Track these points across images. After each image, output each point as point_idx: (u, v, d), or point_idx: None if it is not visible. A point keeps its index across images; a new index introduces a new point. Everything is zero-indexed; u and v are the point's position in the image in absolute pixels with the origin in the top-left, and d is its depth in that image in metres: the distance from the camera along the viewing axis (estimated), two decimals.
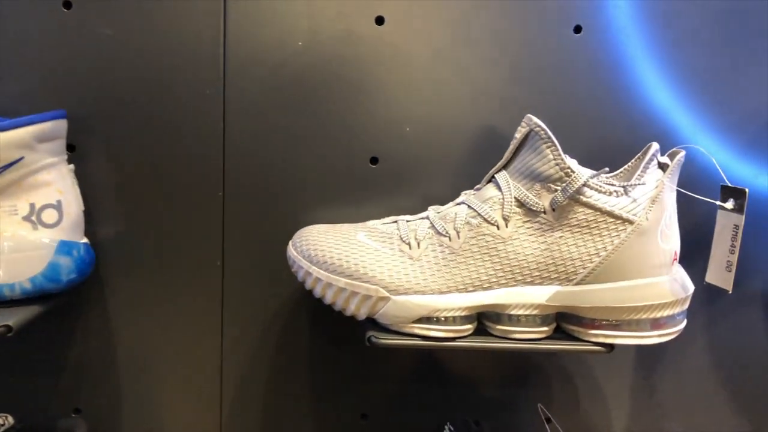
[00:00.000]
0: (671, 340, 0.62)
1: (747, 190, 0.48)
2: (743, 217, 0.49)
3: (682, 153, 0.51)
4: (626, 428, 0.66)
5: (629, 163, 0.53)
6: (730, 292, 0.50)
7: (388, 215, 0.59)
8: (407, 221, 0.54)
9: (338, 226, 0.56)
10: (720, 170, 0.51)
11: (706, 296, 0.65)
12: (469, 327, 0.52)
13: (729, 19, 0.60)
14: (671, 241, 0.51)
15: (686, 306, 0.52)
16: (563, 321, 0.53)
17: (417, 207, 0.61)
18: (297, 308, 0.63)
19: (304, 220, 0.61)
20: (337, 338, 0.64)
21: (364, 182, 0.61)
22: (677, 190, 0.51)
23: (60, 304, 0.59)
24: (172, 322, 0.63)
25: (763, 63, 0.60)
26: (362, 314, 0.51)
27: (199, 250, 0.62)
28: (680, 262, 0.54)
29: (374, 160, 0.61)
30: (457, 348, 0.51)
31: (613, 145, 0.60)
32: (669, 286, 0.50)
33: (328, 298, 0.52)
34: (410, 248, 0.52)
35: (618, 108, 0.60)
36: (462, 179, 0.60)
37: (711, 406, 0.66)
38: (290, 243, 0.55)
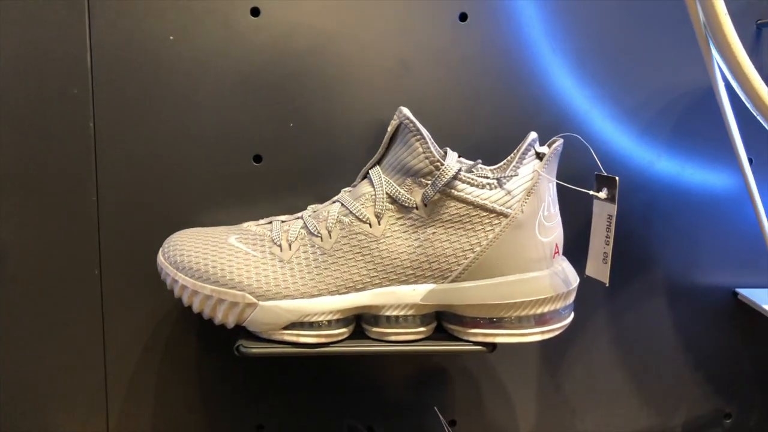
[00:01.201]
0: (577, 335, 0.61)
1: (617, 178, 0.46)
2: (615, 206, 0.47)
3: (559, 142, 0.49)
4: (534, 428, 0.64)
5: (510, 156, 0.51)
6: (607, 284, 0.48)
7: (275, 216, 0.56)
8: (282, 221, 0.52)
9: (212, 229, 0.53)
10: (596, 158, 0.49)
11: (610, 290, 0.63)
12: (344, 331, 0.49)
13: (625, 3, 0.58)
14: (551, 233, 0.49)
15: (570, 300, 0.50)
16: (444, 320, 0.51)
17: (305, 207, 0.58)
18: (183, 316, 0.60)
19: (185, 223, 0.58)
20: (227, 347, 0.61)
21: (248, 182, 0.58)
22: (555, 182, 0.49)
23: None
24: (52, 336, 0.60)
25: (660, 47, 0.59)
26: (231, 322, 0.49)
27: (74, 258, 0.59)
28: (568, 255, 0.52)
29: (258, 158, 0.58)
30: (330, 354, 0.48)
31: (504, 136, 0.58)
32: (549, 280, 0.48)
33: (196, 306, 0.49)
34: (281, 250, 0.49)
35: (509, 98, 0.58)
36: (350, 176, 0.58)
37: (619, 402, 0.64)
38: (160, 250, 0.52)
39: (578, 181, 0.51)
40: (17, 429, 0.61)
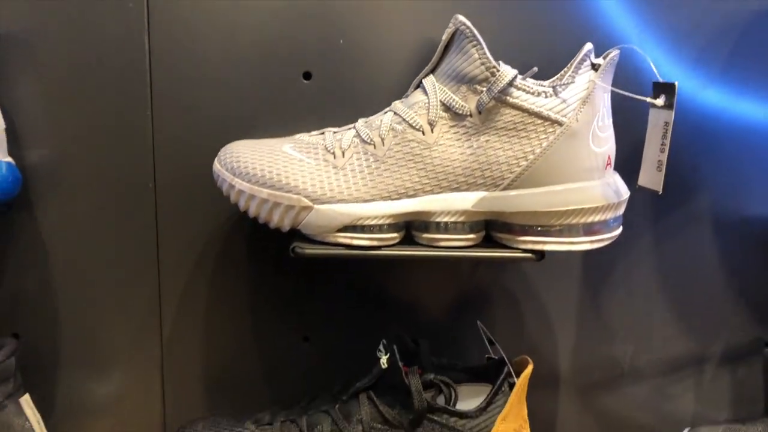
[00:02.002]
0: (620, 259, 0.62)
1: (676, 83, 0.46)
2: (673, 113, 0.47)
3: (616, 52, 0.49)
4: (573, 350, 0.65)
5: (565, 68, 0.51)
6: (660, 193, 0.49)
7: None
8: (334, 132, 0.52)
9: (265, 140, 0.54)
10: (653, 67, 0.49)
11: (654, 216, 0.63)
12: (395, 236, 0.50)
13: None
14: (604, 144, 0.49)
15: (620, 212, 0.50)
16: (493, 229, 0.51)
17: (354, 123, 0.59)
18: (234, 230, 0.62)
19: (237, 139, 0.59)
20: (276, 261, 0.63)
21: (298, 99, 0.59)
22: (611, 91, 0.49)
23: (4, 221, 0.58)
24: (106, 246, 0.62)
25: None
26: (286, 225, 0.50)
27: (130, 171, 0.60)
28: (619, 171, 0.53)
29: (307, 76, 0.59)
30: (382, 257, 0.50)
31: (556, 56, 0.58)
32: (601, 190, 0.49)
33: (252, 211, 0.50)
34: (335, 157, 0.50)
35: (562, 17, 0.58)
36: (400, 93, 0.58)
37: (659, 327, 0.65)
38: (216, 158, 0.53)
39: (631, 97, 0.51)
40: (74, 339, 0.64)
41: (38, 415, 0.56)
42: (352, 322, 0.64)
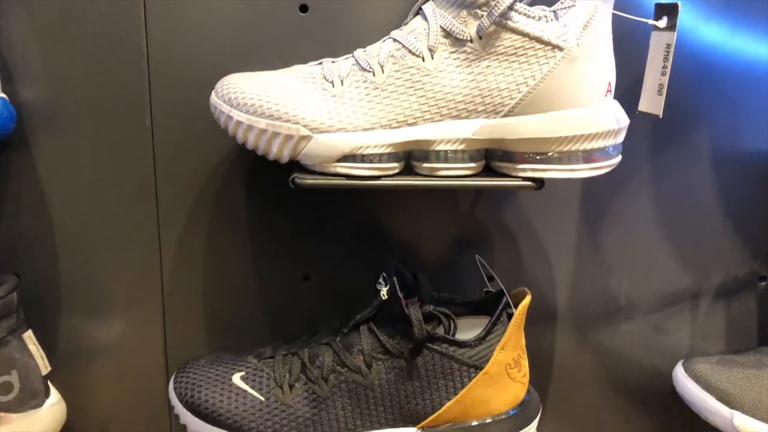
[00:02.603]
0: (617, 195, 0.62)
1: (679, 4, 0.46)
2: (674, 34, 0.46)
3: None
4: (571, 287, 0.66)
5: None
6: (661, 116, 0.48)
7: None
8: (332, 62, 0.52)
9: (263, 72, 0.53)
10: None
11: (653, 150, 0.63)
12: (395, 165, 0.50)
13: None
14: (604, 70, 0.49)
15: (619, 140, 0.50)
16: (493, 159, 0.51)
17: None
18: (232, 168, 0.62)
19: (234, 72, 0.58)
20: (274, 199, 0.63)
21: (295, 32, 0.58)
22: (612, 14, 0.49)
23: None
24: (103, 186, 0.62)
25: None
26: (285, 156, 0.50)
27: (126, 108, 0.60)
28: (618, 100, 0.52)
29: (304, 8, 0.58)
30: (382, 186, 0.50)
31: None
32: (600, 116, 0.48)
33: (251, 142, 0.50)
34: (333, 86, 0.50)
35: None
36: (397, 26, 0.57)
37: (656, 263, 0.66)
38: (213, 91, 0.52)
39: (633, 24, 0.50)
40: (74, 281, 0.64)
41: (41, 351, 0.57)
42: (351, 260, 0.65)
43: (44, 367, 0.57)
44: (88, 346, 0.65)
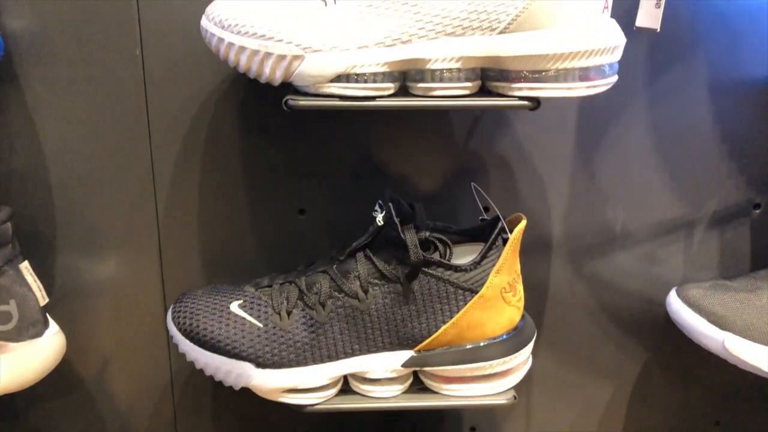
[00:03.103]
0: (613, 122, 0.62)
1: None
2: None
3: None
4: (565, 215, 0.66)
5: None
6: (658, 31, 0.48)
7: None
8: None
9: None
10: None
11: (650, 77, 0.62)
12: (390, 86, 0.49)
13: None
14: None
15: (615, 58, 0.50)
16: (488, 79, 0.51)
17: None
18: (225, 100, 0.61)
19: None
20: (268, 132, 0.63)
21: None
22: None
23: None
24: (94, 119, 0.61)
25: None
26: (278, 78, 0.49)
27: (115, 38, 0.59)
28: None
29: None
30: (377, 107, 0.49)
31: None
32: (597, 33, 0.48)
33: (243, 65, 0.49)
34: (326, 4, 0.49)
35: None
36: None
37: (652, 191, 0.66)
38: (203, 15, 0.51)
39: None
40: (69, 219, 0.64)
41: (38, 282, 0.57)
42: (347, 194, 0.65)
43: (42, 297, 0.57)
44: (85, 282, 0.66)
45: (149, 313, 0.67)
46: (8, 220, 0.54)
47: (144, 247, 0.65)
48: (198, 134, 0.62)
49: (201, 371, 0.57)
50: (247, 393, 0.62)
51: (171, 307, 0.58)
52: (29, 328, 0.55)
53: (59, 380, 0.66)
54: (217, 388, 0.69)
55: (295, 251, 0.66)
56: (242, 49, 0.49)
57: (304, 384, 0.55)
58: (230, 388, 0.56)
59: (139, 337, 0.68)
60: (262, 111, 0.62)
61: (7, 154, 0.61)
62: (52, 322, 0.59)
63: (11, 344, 0.54)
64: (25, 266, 0.56)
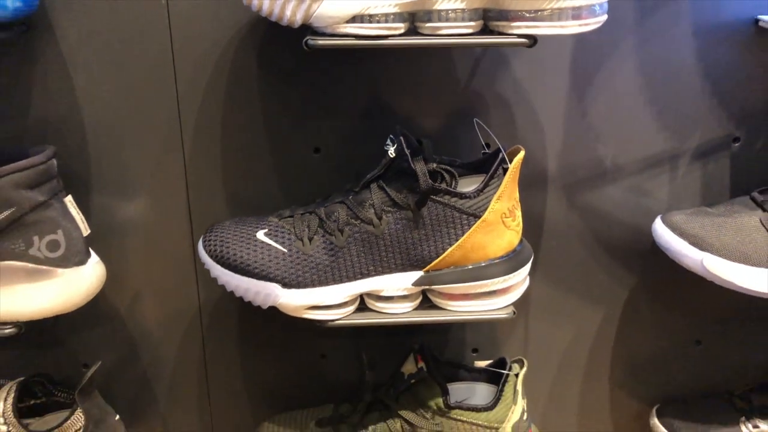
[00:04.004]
0: (604, 62, 0.67)
1: None
2: None
3: None
4: (560, 150, 0.72)
5: None
6: None
7: None
8: None
9: None
10: None
11: (638, 17, 0.67)
12: (400, 26, 0.54)
13: None
14: None
15: None
16: (489, 19, 0.56)
17: None
18: (244, 46, 0.66)
19: None
20: (286, 76, 0.67)
21: None
22: None
23: (14, 43, 0.62)
24: (123, 63, 0.66)
25: None
26: (298, 20, 0.54)
27: None
28: None
29: None
30: (389, 46, 0.54)
31: None
32: None
33: (266, 9, 0.54)
34: None
35: None
36: None
37: (640, 126, 0.71)
38: None
39: None
40: (100, 160, 0.69)
41: (81, 214, 0.62)
42: (359, 133, 0.70)
43: (84, 229, 0.62)
44: (118, 219, 0.71)
45: (178, 247, 0.73)
46: (53, 157, 0.60)
47: (172, 185, 0.71)
48: (221, 78, 0.67)
49: (227, 299, 0.63)
50: (270, 318, 0.69)
51: (202, 237, 0.64)
52: (75, 256, 0.61)
53: (96, 310, 0.72)
54: (243, 315, 0.76)
55: (311, 187, 0.71)
56: None
57: (325, 302, 0.62)
58: (254, 314, 0.63)
59: (169, 269, 0.74)
60: (281, 56, 0.67)
61: (44, 100, 0.66)
62: (92, 253, 0.64)
63: (59, 270, 0.60)
64: (69, 200, 0.62)
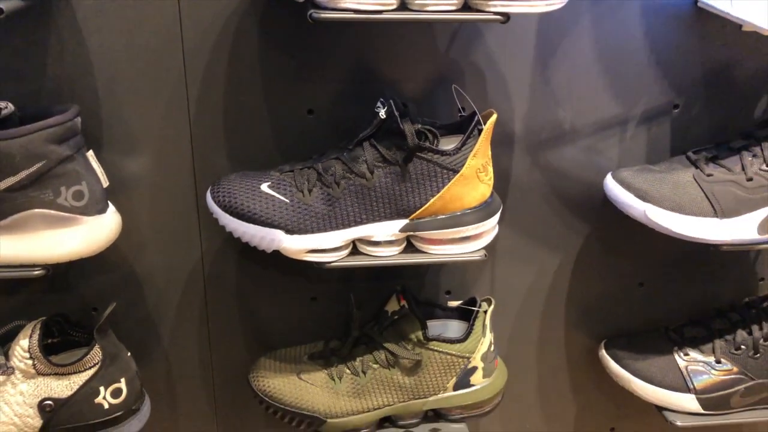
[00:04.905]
0: (565, 37, 0.77)
1: None
2: None
3: None
4: (525, 114, 0.81)
5: None
6: None
7: None
8: None
9: None
10: None
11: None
12: (393, 2, 0.62)
13: None
14: None
15: None
16: None
17: None
18: (247, 15, 0.72)
19: None
20: (284, 43, 0.74)
21: None
22: None
23: (32, 8, 0.67)
24: (135, 29, 0.72)
25: None
26: None
27: None
28: None
29: None
30: (384, 20, 0.62)
31: None
32: None
33: None
34: None
35: None
36: None
37: (593, 92, 0.81)
38: None
39: None
40: (112, 110, 0.75)
41: (101, 168, 0.69)
42: (349, 96, 0.78)
43: (104, 180, 0.69)
44: (127, 174, 0.77)
45: (183, 199, 0.80)
46: (78, 114, 0.66)
47: (178, 143, 0.77)
48: (224, 44, 0.73)
49: (227, 247, 0.70)
50: (265, 265, 0.77)
51: (210, 189, 0.72)
52: (97, 204, 0.68)
53: (105, 259, 0.79)
54: (240, 262, 0.84)
55: (306, 146, 0.79)
56: None
57: (323, 246, 0.70)
58: (251, 261, 0.70)
59: (174, 220, 0.81)
60: (280, 24, 0.73)
61: (59, 61, 0.72)
62: (110, 203, 0.71)
63: (84, 218, 0.67)
64: (90, 154, 0.68)
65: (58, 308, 0.81)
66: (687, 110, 0.83)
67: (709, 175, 0.77)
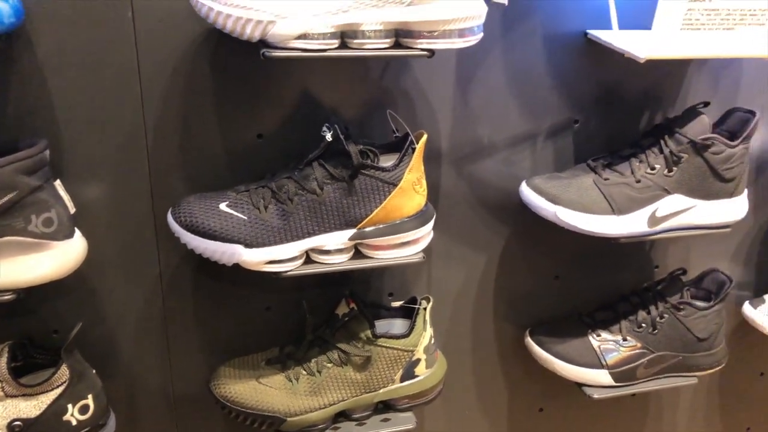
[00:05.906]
0: (479, 64, 0.88)
1: None
2: None
3: None
4: (450, 132, 0.92)
5: None
6: (506, 4, 0.74)
7: None
8: None
9: None
10: None
11: (501, 32, 0.89)
12: (335, 42, 0.71)
13: None
14: None
15: (482, 21, 0.75)
16: (400, 37, 0.74)
17: None
18: (200, 51, 0.80)
19: None
20: (234, 76, 0.82)
21: None
22: None
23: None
24: (93, 65, 0.77)
25: None
26: (256, 36, 0.69)
27: (110, 1, 0.75)
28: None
29: None
30: (328, 57, 0.71)
31: None
32: (470, 4, 0.73)
33: (228, 27, 0.69)
34: None
35: None
36: None
37: (507, 112, 0.93)
38: None
39: None
40: (73, 143, 0.79)
41: (68, 195, 0.74)
42: (295, 121, 0.86)
43: (71, 207, 0.74)
44: (87, 202, 0.82)
45: (141, 222, 0.85)
46: (46, 148, 0.71)
47: (137, 170, 0.83)
48: (178, 79, 0.80)
49: (184, 266, 0.76)
50: (223, 279, 0.84)
51: (170, 211, 0.78)
52: (65, 230, 0.73)
53: (65, 281, 0.83)
54: (197, 278, 0.90)
55: (256, 168, 0.86)
56: (229, 15, 0.68)
57: (279, 257, 0.78)
58: (207, 277, 0.77)
59: (133, 242, 0.86)
60: (231, 60, 0.81)
61: (20, 97, 0.76)
62: (76, 229, 0.76)
63: (54, 243, 0.72)
64: (58, 183, 0.73)
65: (19, 332, 0.84)
66: (585, 125, 0.97)
67: (606, 179, 0.91)
